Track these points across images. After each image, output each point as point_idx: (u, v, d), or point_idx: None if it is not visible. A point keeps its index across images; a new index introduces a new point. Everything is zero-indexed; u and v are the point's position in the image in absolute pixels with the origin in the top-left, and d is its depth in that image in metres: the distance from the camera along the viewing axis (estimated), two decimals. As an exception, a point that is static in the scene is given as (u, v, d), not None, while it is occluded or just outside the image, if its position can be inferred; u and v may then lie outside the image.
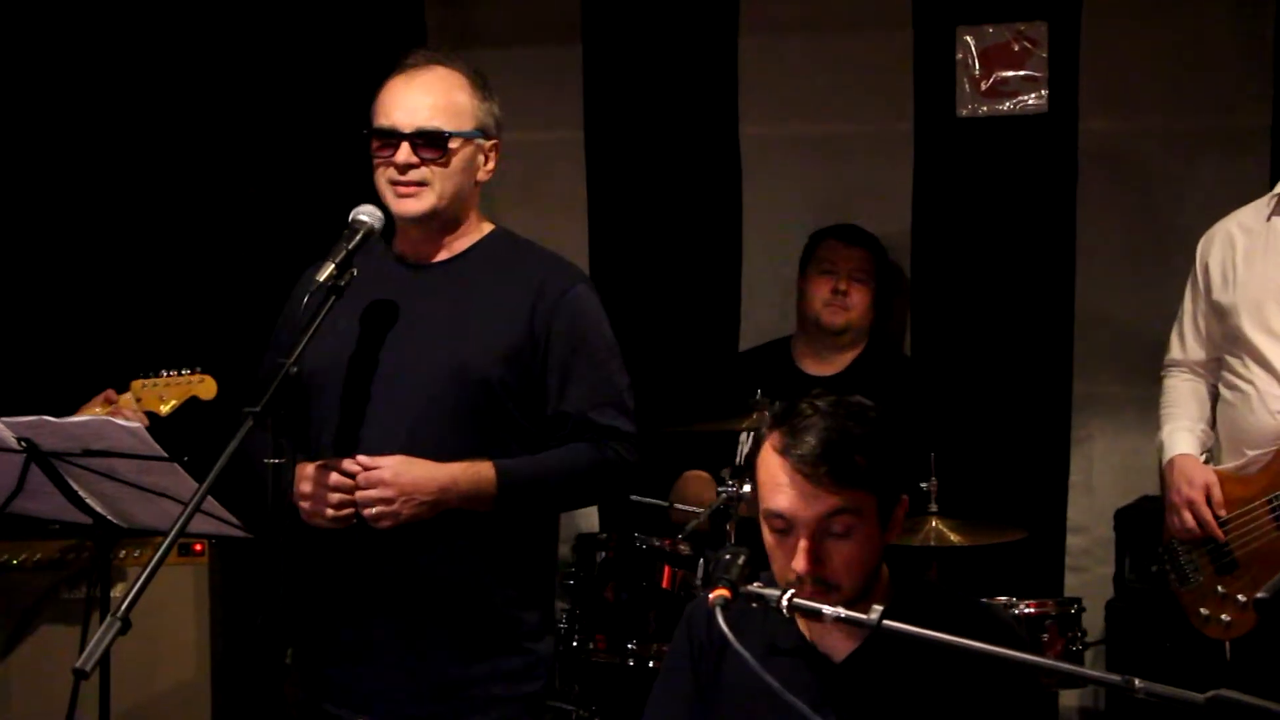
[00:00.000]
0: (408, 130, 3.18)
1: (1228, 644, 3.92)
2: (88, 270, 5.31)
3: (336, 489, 3.14)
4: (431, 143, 3.19)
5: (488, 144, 3.30)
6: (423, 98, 3.22)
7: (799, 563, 2.54)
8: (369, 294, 3.25)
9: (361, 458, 3.14)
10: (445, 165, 3.20)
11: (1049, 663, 2.57)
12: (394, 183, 3.21)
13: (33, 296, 5.24)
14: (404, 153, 3.19)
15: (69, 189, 5.31)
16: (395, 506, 3.11)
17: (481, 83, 3.31)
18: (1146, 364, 4.78)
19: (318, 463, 3.17)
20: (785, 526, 2.57)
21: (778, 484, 2.57)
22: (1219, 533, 3.85)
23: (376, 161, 3.24)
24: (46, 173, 5.28)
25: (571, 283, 3.32)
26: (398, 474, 3.11)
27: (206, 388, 3.94)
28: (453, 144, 3.20)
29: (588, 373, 3.27)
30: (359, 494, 3.12)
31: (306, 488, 3.16)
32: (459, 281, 3.29)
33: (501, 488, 3.18)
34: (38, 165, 5.27)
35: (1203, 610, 3.91)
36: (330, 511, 3.14)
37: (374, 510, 3.12)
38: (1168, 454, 4.02)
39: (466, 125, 3.24)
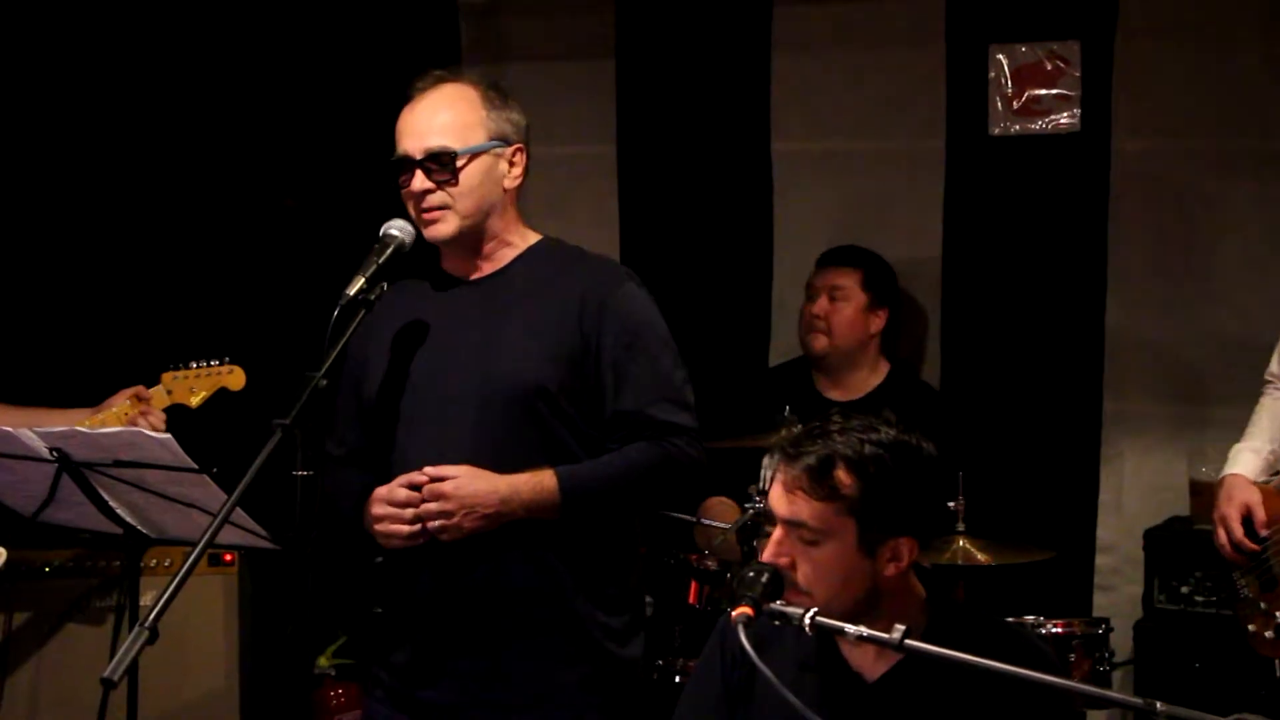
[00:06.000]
0: (418, 156, 3.19)
1: (1278, 662, 3.90)
2: (118, 266, 5.35)
3: (408, 504, 3.16)
4: (442, 164, 3.19)
5: (509, 151, 3.28)
6: (428, 120, 3.22)
7: (764, 552, 2.62)
8: (421, 313, 3.28)
9: (429, 468, 3.15)
10: (457, 184, 3.20)
11: (1070, 684, 2.56)
12: (418, 210, 3.22)
13: (64, 291, 5.28)
14: (418, 180, 3.20)
15: (104, 187, 5.36)
16: (456, 520, 3.13)
17: (494, 91, 3.29)
18: (1177, 383, 4.78)
19: (388, 484, 3.19)
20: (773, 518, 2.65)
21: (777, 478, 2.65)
22: (1252, 546, 3.85)
23: (402, 191, 3.25)
24: (83, 170, 5.33)
25: (618, 282, 3.31)
26: (459, 486, 3.13)
27: (236, 378, 3.94)
28: (460, 161, 3.20)
29: (642, 370, 3.25)
30: (422, 507, 3.14)
31: (379, 510, 3.19)
32: (508, 293, 3.29)
33: (565, 495, 3.17)
34: (74, 163, 5.32)
35: (1250, 627, 3.91)
36: (405, 529, 3.16)
37: (436, 524, 3.14)
38: (1224, 472, 4.02)
39: (478, 138, 3.23)
